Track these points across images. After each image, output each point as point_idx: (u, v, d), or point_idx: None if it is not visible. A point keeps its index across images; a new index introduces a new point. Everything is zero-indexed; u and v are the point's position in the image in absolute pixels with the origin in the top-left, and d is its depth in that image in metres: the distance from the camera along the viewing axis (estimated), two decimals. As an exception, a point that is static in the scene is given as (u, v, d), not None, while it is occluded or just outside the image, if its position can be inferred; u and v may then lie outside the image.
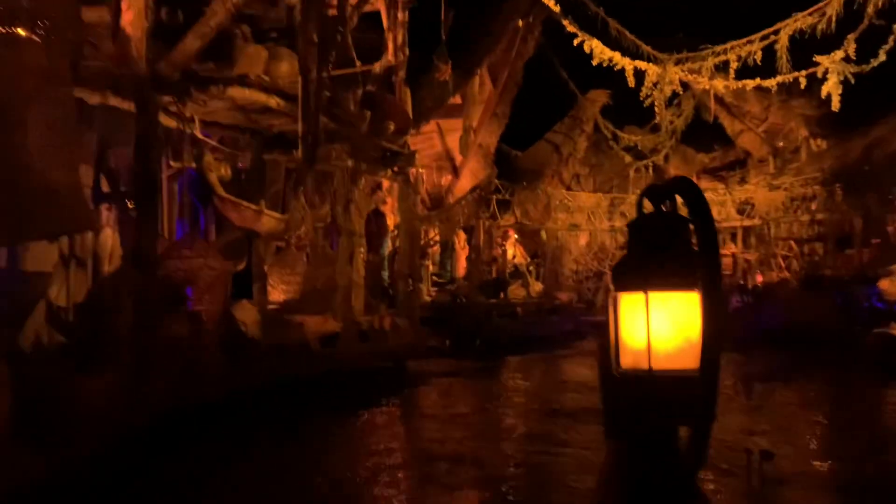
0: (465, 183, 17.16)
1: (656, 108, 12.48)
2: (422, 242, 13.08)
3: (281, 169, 10.51)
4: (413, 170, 10.64)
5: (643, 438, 2.40)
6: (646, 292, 2.31)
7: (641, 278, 2.34)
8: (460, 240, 17.10)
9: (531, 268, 18.02)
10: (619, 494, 2.49)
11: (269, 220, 8.52)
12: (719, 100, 23.03)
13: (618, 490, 2.50)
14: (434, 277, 16.73)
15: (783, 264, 22.29)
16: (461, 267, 16.79)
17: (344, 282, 9.16)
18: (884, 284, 13.61)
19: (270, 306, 9.51)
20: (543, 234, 19.06)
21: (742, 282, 23.36)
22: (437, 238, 13.51)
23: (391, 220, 14.67)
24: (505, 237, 17.30)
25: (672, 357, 2.34)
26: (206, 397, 6.54)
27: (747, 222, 21.67)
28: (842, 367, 12.09)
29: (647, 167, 24.87)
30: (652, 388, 2.35)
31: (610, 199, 22.10)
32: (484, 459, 5.60)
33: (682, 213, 2.30)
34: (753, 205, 21.16)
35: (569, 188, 22.28)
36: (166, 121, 7.76)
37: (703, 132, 25.25)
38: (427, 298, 14.31)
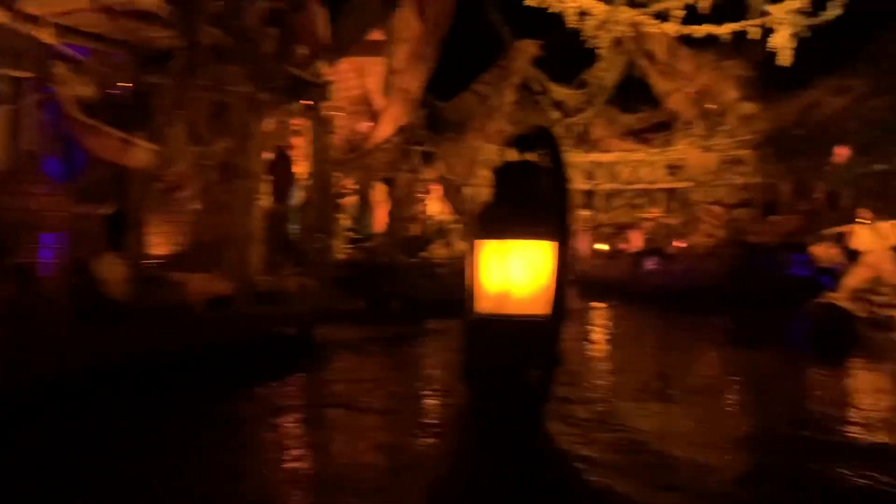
0: (385, 130, 15.59)
1: (602, 51, 11.28)
2: (335, 191, 11.54)
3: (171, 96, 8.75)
4: (328, 105, 9.06)
5: (495, 380, 2.47)
6: (506, 239, 2.37)
7: (502, 226, 2.40)
8: (379, 192, 15.59)
9: (455, 226, 16.75)
10: (470, 433, 2.61)
11: (139, 153, 6.85)
12: (651, 57, 22.20)
13: (469, 429, 2.62)
14: (349, 233, 15.20)
15: (707, 229, 21.89)
16: (379, 222, 15.31)
17: (239, 234, 7.63)
18: (817, 250, 13.02)
19: (148, 261, 7.88)
20: (468, 190, 17.79)
21: (658, 245, 23.45)
22: (353, 188, 12.03)
23: (301, 168, 13.03)
24: (428, 191, 15.95)
25: (526, 303, 2.41)
26: (42, 376, 4.97)
27: (677, 184, 21.02)
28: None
29: (573, 126, 23.98)
30: (506, 332, 2.41)
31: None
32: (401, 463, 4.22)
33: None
34: (685, 166, 20.48)
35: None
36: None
37: (631, 93, 24.51)
38: (341, 256, 12.83)
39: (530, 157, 2.50)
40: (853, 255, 12.66)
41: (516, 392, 2.50)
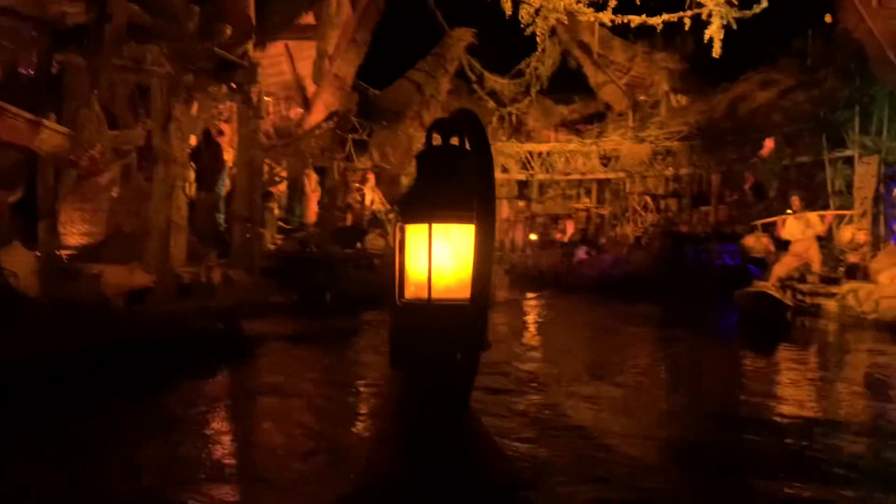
0: (317, 117, 15.17)
1: (538, 38, 11.17)
2: (265, 179, 11.08)
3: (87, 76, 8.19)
4: (256, 88, 8.64)
5: (421, 367, 2.51)
6: (429, 224, 2.37)
7: (426, 210, 2.40)
8: (311, 181, 15.16)
9: (391, 216, 16.44)
10: (398, 420, 2.63)
11: (50, 136, 6.34)
12: (585, 48, 22.36)
13: (397, 416, 2.65)
14: (280, 223, 14.73)
15: (638, 220, 22.25)
16: (312, 212, 14.88)
17: (160, 223, 7.18)
18: (748, 240, 13.30)
19: (63, 252, 7.36)
20: (404, 180, 17.50)
21: (589, 236, 24.08)
22: (284, 175, 11.58)
23: (229, 155, 12.53)
24: (363, 181, 15.57)
25: (450, 287, 2.44)
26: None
27: (611, 174, 21.23)
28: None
29: (508, 116, 23.99)
30: (431, 318, 2.43)
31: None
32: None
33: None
34: (618, 157, 20.69)
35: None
36: None
37: (565, 84, 24.67)
38: (271, 247, 12.39)
39: (454, 140, 2.47)
40: (782, 245, 13.03)
41: (443, 377, 2.47)
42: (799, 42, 17.96)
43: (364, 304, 11.14)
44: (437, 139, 2.55)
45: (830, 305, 11.18)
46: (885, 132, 14.46)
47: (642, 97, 22.63)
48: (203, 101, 8.02)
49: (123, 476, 3.59)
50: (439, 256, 2.44)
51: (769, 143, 17.74)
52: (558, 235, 26.44)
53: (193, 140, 13.14)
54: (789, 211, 12.15)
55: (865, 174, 14.23)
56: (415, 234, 2.49)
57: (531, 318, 11.96)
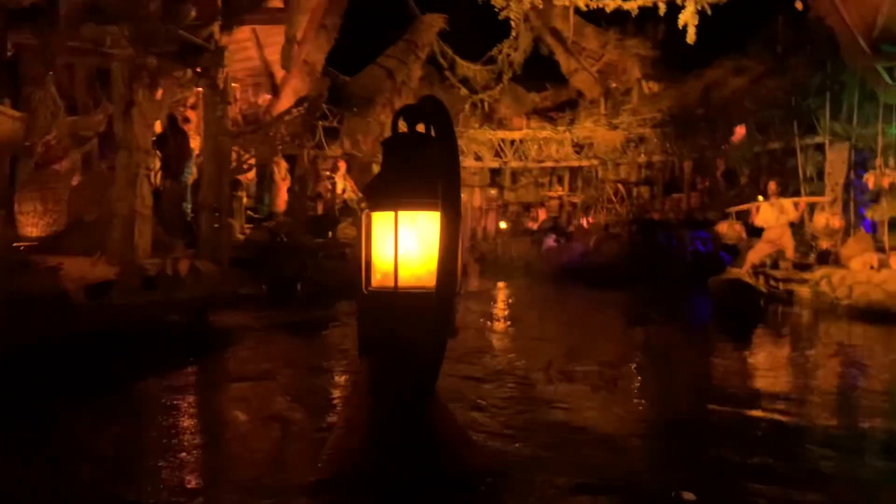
0: (286, 103, 14.84)
1: (512, 23, 10.97)
2: (233, 167, 10.75)
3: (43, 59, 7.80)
4: (222, 72, 8.34)
5: (389, 355, 2.47)
6: (395, 211, 2.36)
7: (392, 197, 2.40)
8: (281, 170, 14.82)
9: (363, 204, 16.15)
10: (366, 408, 2.59)
11: (4, 122, 6.00)
12: (557, 35, 22.22)
13: (365, 404, 2.60)
14: (249, 212, 14.40)
15: (611, 207, 22.25)
16: (281, 201, 14.55)
17: (123, 212, 6.87)
18: (721, 227, 13.30)
19: (17, 244, 7.03)
20: (375, 168, 17.20)
21: (560, 224, 24.01)
22: (253, 163, 11.22)
23: (196, 143, 12.16)
24: (334, 169, 15.26)
25: (417, 274, 2.43)
26: None
27: (585, 162, 21.13)
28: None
29: (480, 103, 23.78)
30: (397, 306, 2.41)
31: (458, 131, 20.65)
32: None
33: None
34: (592, 144, 20.60)
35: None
36: None
37: (537, 72, 24.52)
38: (240, 237, 12.09)
39: (420, 127, 2.44)
40: (754, 232, 13.05)
41: (410, 365, 2.44)
42: (769, 30, 18.00)
43: (336, 294, 10.93)
44: (403, 126, 2.48)
45: (804, 292, 11.21)
46: (854, 119, 14.55)
47: (614, 84, 22.58)
48: (167, 86, 7.68)
49: (67, 472, 3.35)
50: (405, 244, 2.39)
51: (740, 130, 17.78)
52: (530, 223, 26.39)
53: (158, 126, 12.78)
54: (760, 198, 12.13)
55: (836, 161, 14.31)
56: (381, 222, 2.45)
57: (501, 307, 11.83)
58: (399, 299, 2.43)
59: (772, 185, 12.10)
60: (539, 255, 20.76)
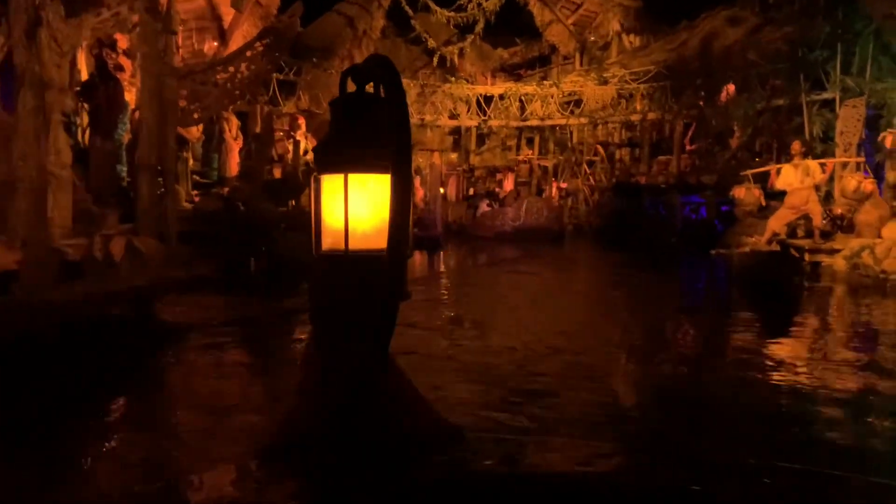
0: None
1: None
2: (179, 120, 8.79)
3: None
4: (163, -7, 6.43)
5: (340, 318, 2.52)
6: (345, 174, 2.39)
7: (341, 160, 2.42)
8: (232, 127, 12.84)
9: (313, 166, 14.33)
10: (318, 373, 2.62)
11: None
12: (535, -19, 20.54)
13: (317, 370, 2.63)
14: (196, 177, 12.43)
15: (587, 170, 20.87)
16: (234, 163, 12.61)
17: (30, 175, 5.02)
18: (739, 192, 11.97)
19: None
20: (338, 126, 15.36)
21: (493, 189, 24.00)
22: (199, 116, 9.32)
23: (131, 95, 10.17)
24: (293, 127, 13.37)
25: (368, 237, 2.46)
26: None
27: (573, 121, 19.55)
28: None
29: (442, 58, 21.96)
30: (349, 268, 2.45)
31: (419, 88, 18.84)
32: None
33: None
34: (580, 102, 19.00)
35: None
36: None
37: (506, 27, 22.85)
38: (187, 205, 10.19)
39: (368, 88, 2.46)
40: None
41: (363, 329, 2.48)
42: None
43: (304, 273, 9.12)
44: (351, 86, 2.46)
45: (839, 264, 9.95)
46: (868, 72, 13.36)
47: (592, 38, 21.03)
48: (88, 15, 5.77)
49: None
50: (356, 207, 2.41)
51: (731, 88, 16.48)
52: (497, 189, 25.02)
53: (84, 70, 10.70)
54: (791, 157, 10.75)
55: (850, 118, 13.10)
56: (330, 185, 2.45)
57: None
58: (350, 262, 2.43)
59: (796, 145, 10.76)
60: (472, 218, 20.84)
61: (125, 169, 9.56)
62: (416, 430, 2.69)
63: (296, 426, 2.67)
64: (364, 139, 2.39)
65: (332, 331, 2.57)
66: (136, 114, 9.39)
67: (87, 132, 9.75)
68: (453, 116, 20.76)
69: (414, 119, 21.63)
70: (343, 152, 2.39)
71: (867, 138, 13.32)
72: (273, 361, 5.11)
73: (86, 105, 9.78)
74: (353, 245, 2.40)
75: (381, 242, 2.37)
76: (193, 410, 3.76)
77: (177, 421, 3.63)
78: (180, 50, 12.97)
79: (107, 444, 3.18)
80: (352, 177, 2.36)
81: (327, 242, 2.49)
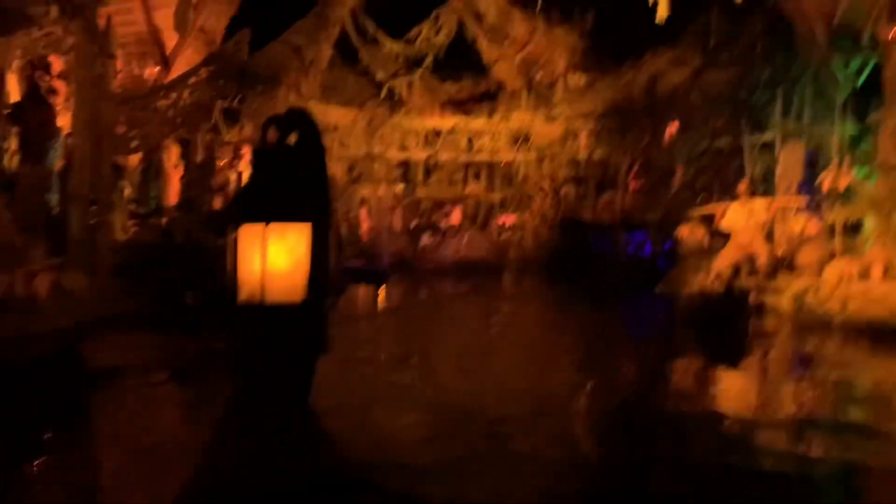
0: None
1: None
2: (115, 147, 8.34)
3: None
4: (103, 12, 6.08)
5: (260, 369, 2.58)
6: (264, 224, 2.48)
7: (261, 209, 2.52)
8: (172, 155, 12.39)
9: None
10: (240, 423, 2.73)
11: None
12: (481, 19, 20.63)
13: (236, 422, 2.75)
14: (132, 206, 11.90)
15: (534, 206, 20.95)
16: (173, 193, 12.14)
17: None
18: (683, 232, 12.06)
19: None
20: (283, 157, 15.03)
21: (436, 221, 23.84)
22: (137, 143, 8.87)
23: (65, 120, 9.68)
24: (237, 156, 12.97)
25: (286, 289, 2.51)
26: None
27: (522, 156, 19.60)
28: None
29: (389, 92, 21.86)
30: (265, 320, 2.55)
31: (368, 119, 18.65)
32: None
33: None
34: (528, 138, 19.07)
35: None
36: None
37: (454, 60, 22.95)
38: (122, 236, 9.70)
39: (290, 139, 2.52)
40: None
41: (283, 380, 2.55)
42: (704, 20, 17.08)
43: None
44: (273, 136, 2.57)
45: (783, 304, 10.04)
46: (805, 116, 13.76)
47: (539, 76, 21.25)
48: (20, 25, 5.38)
49: None
50: (274, 257, 2.51)
51: (671, 129, 16.79)
52: (444, 223, 24.95)
53: (14, 91, 10.13)
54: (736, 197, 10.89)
55: (791, 160, 13.41)
56: (248, 235, 2.56)
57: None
58: (266, 314, 2.52)
59: (742, 185, 10.93)
60: (414, 252, 20.91)
61: (56, 198, 9.07)
62: (330, 473, 2.70)
63: (215, 471, 2.66)
64: (281, 190, 2.45)
65: (252, 380, 2.66)
66: (69, 139, 8.94)
67: (15, 157, 9.24)
68: (402, 149, 20.64)
69: (362, 151, 21.40)
70: (260, 202, 2.44)
71: (807, 180, 13.66)
72: (197, 411, 4.71)
73: (14, 128, 9.28)
74: (270, 297, 2.41)
75: (299, 294, 2.39)
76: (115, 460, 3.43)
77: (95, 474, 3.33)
78: (119, 75, 12.51)
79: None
80: (271, 226, 2.38)
81: (244, 293, 2.52)
